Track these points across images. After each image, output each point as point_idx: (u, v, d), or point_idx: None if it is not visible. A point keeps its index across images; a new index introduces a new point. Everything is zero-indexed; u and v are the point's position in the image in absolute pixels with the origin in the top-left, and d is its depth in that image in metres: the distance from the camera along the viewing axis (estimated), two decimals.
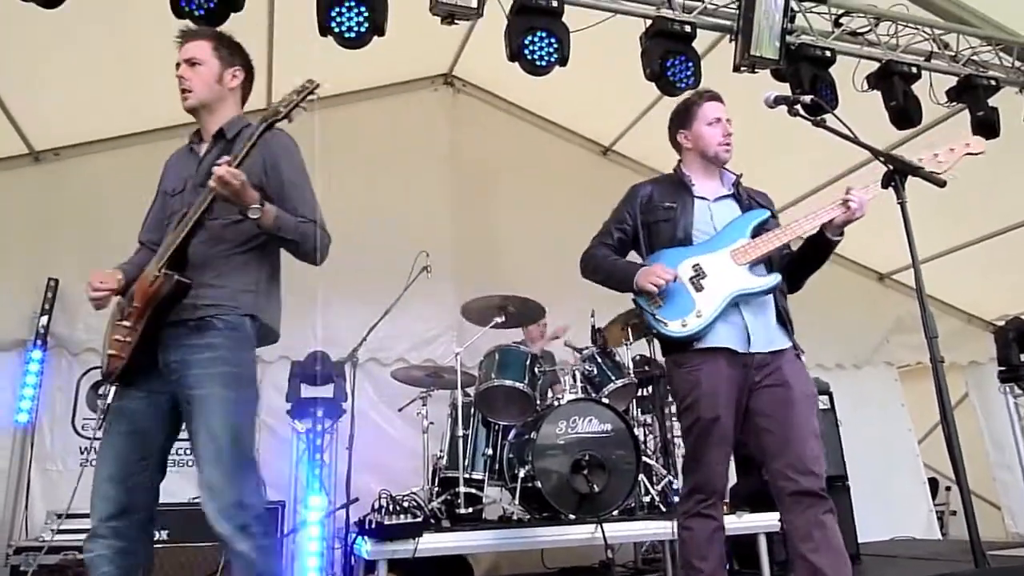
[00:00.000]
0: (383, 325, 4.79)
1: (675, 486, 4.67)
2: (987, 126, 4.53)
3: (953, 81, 4.73)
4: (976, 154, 2.63)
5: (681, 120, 2.94)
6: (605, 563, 3.97)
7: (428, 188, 6.34)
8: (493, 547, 4.15)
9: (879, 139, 3.08)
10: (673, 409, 5.37)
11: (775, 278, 2.69)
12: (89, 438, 5.28)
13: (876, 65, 4.56)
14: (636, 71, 4.20)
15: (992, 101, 4.60)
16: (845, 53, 4.50)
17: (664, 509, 4.33)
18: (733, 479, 4.58)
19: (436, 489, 4.42)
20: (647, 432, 5.27)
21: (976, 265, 6.57)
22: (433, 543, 3.75)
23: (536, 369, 4.57)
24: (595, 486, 3.98)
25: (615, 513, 4.06)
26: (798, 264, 2.81)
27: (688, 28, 4.14)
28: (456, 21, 3.83)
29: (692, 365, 2.65)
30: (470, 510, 4.15)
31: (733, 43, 4.26)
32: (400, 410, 5.17)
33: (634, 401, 4.98)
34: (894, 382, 7.28)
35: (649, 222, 2.86)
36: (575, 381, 4.53)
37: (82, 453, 5.24)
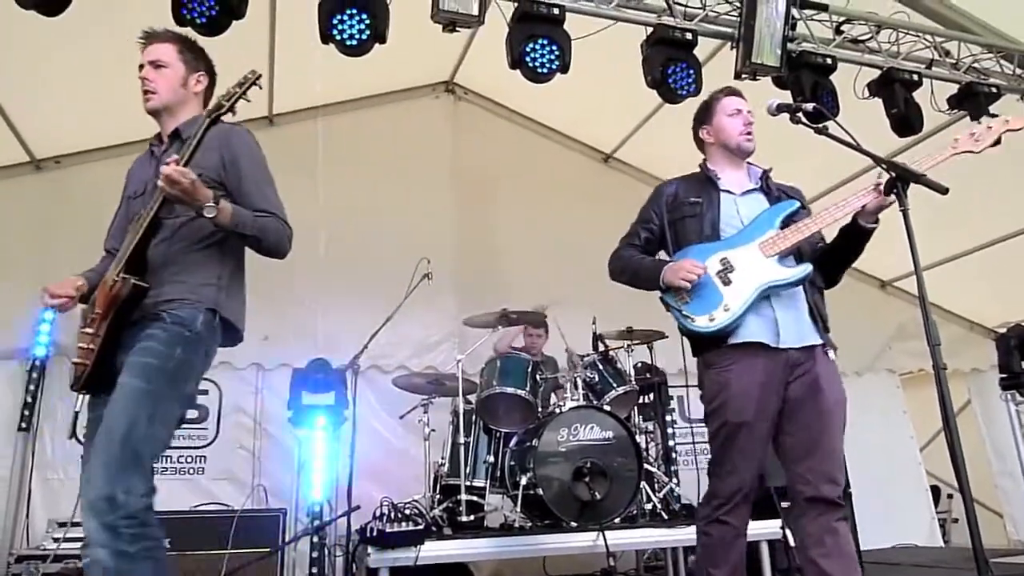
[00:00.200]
0: (384, 332, 4.79)
1: (676, 493, 4.66)
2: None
3: (954, 88, 4.74)
4: (1016, 130, 2.59)
5: (702, 117, 2.92)
6: (607, 571, 3.95)
7: (429, 195, 6.34)
8: (495, 555, 4.14)
9: (880, 146, 3.08)
10: (673, 417, 5.39)
11: (805, 268, 2.62)
12: None
13: (877, 72, 4.57)
14: (637, 78, 4.21)
15: (993, 108, 4.61)
16: (846, 60, 4.51)
17: (666, 516, 4.32)
18: None
19: (438, 497, 4.41)
20: (649, 439, 5.26)
21: (978, 272, 6.57)
22: (435, 551, 3.74)
23: (537, 376, 4.56)
24: (597, 493, 3.97)
25: (617, 521, 4.04)
26: (832, 256, 2.74)
27: (689, 35, 4.15)
28: (457, 29, 3.84)
29: (722, 365, 2.59)
30: (472, 518, 4.15)
31: (734, 50, 4.27)
32: (401, 417, 5.15)
33: (635, 408, 4.97)
34: (896, 389, 7.27)
35: (675, 219, 2.82)
36: (576, 388, 4.52)
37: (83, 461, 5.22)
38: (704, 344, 2.66)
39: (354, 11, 3.66)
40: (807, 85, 4.27)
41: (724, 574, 2.57)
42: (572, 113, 6.62)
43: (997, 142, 2.62)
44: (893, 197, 2.46)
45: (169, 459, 5.46)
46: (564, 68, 3.96)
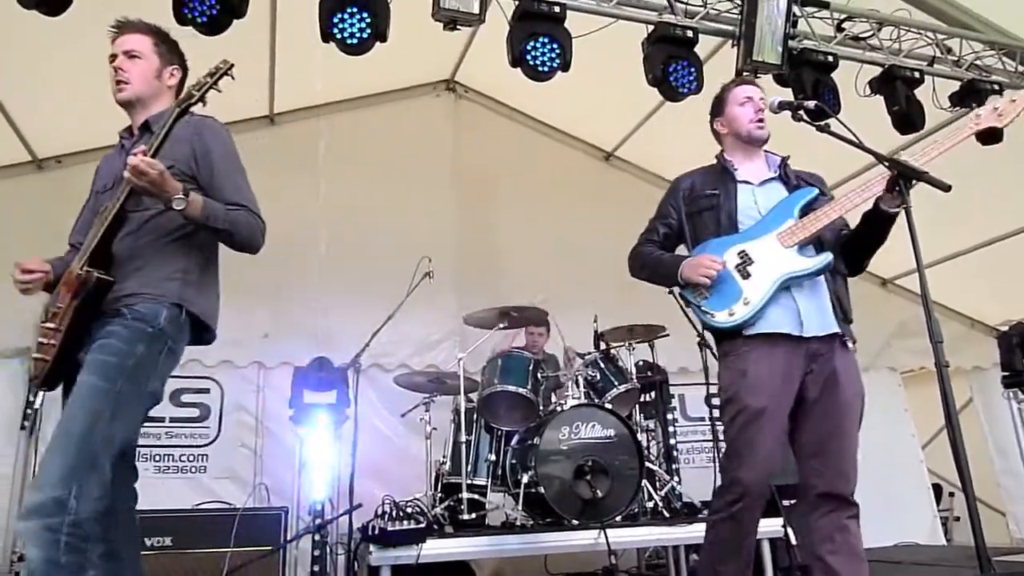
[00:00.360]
0: (385, 331, 4.78)
1: (678, 492, 4.66)
2: (991, 131, 4.51)
3: (956, 86, 4.73)
4: None
5: (715, 109, 2.90)
6: (609, 569, 3.95)
7: (430, 194, 6.34)
8: (496, 553, 4.14)
9: (882, 144, 3.07)
10: (675, 415, 5.39)
11: (824, 258, 2.57)
12: None
13: (879, 70, 4.56)
14: (638, 76, 4.21)
15: None
16: (847, 58, 4.50)
17: (667, 515, 4.32)
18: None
19: (439, 495, 4.42)
20: (650, 437, 5.26)
21: (979, 270, 6.56)
22: (436, 549, 3.74)
23: (539, 374, 4.56)
24: (598, 492, 3.97)
25: (618, 519, 4.04)
26: (856, 242, 2.68)
27: (690, 33, 4.14)
28: (458, 27, 3.84)
29: (738, 353, 2.55)
30: (473, 516, 4.15)
31: (735, 48, 4.26)
32: (403, 416, 5.16)
33: (637, 406, 4.97)
34: (897, 387, 7.26)
35: (692, 212, 2.79)
36: (578, 386, 4.52)
37: None
38: (724, 336, 2.62)
39: (355, 10, 3.65)
40: (808, 83, 4.27)
41: (733, 572, 2.52)
42: (573, 111, 6.61)
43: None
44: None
45: (171, 457, 5.47)
46: (565, 66, 3.96)
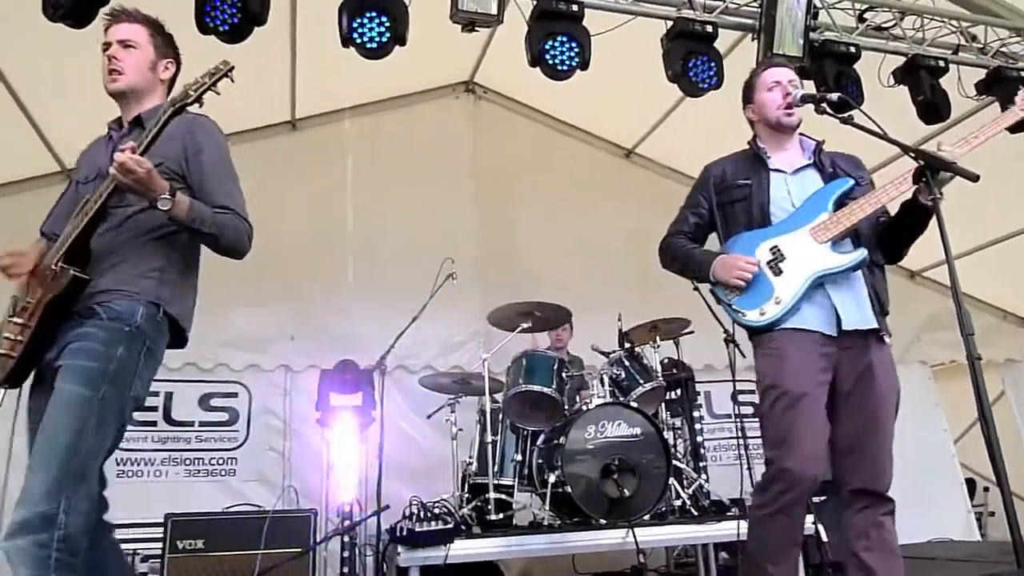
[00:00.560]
0: (410, 332, 4.80)
1: (706, 489, 4.63)
2: (1018, 120, 4.45)
3: (982, 74, 4.65)
4: None
5: (746, 95, 2.84)
6: (637, 568, 3.93)
7: (451, 195, 6.36)
8: (524, 553, 4.14)
9: (907, 134, 3.03)
10: (701, 413, 5.35)
11: (859, 254, 2.50)
12: (125, 449, 5.36)
13: (902, 60, 4.50)
14: (658, 72, 4.19)
15: None
16: (870, 48, 4.45)
17: (696, 513, 4.29)
18: None
19: (466, 496, 4.43)
20: (677, 435, 5.23)
21: (1011, 260, 6.45)
22: (464, 549, 3.75)
23: (563, 374, 4.55)
24: (625, 490, 3.95)
25: (646, 517, 4.02)
26: (895, 231, 2.62)
27: (709, 28, 4.13)
28: (476, 28, 3.85)
29: (773, 341, 2.50)
30: (500, 516, 4.15)
31: (756, 42, 4.23)
32: (429, 417, 5.18)
33: (663, 404, 4.94)
34: (928, 381, 7.15)
35: (724, 203, 2.74)
36: (603, 385, 4.51)
37: (118, 465, 5.31)
38: (756, 329, 2.58)
39: (374, 14, 3.68)
40: (830, 75, 4.23)
41: (783, 572, 2.40)
42: (593, 109, 6.60)
43: None
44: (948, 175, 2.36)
45: (201, 461, 5.54)
46: (584, 65, 3.96)
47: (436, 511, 3.93)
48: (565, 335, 5.40)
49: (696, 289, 3.85)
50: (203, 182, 2.31)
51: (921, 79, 4.41)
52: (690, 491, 4.48)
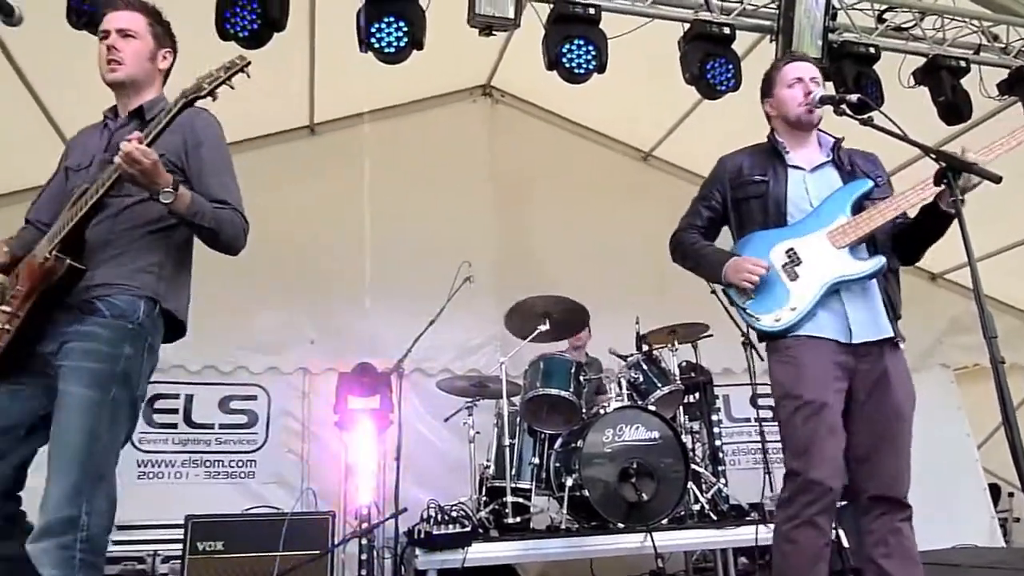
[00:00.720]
0: (427, 336, 4.83)
1: (724, 494, 4.61)
2: None
3: (1004, 74, 4.60)
4: None
5: (765, 89, 2.77)
6: (656, 572, 3.92)
7: (469, 199, 6.38)
8: (542, 557, 4.14)
9: (928, 136, 3.00)
10: (719, 417, 5.33)
11: (878, 262, 2.45)
12: (146, 451, 5.44)
13: (922, 60, 4.46)
14: (675, 75, 4.18)
15: None
16: (890, 49, 4.42)
17: (715, 517, 4.27)
18: None
19: (483, 499, 4.43)
20: (695, 439, 5.20)
21: None
22: (482, 552, 3.76)
23: (581, 377, 4.55)
24: (644, 494, 3.94)
25: (664, 522, 4.01)
26: (913, 234, 2.57)
27: (727, 30, 4.11)
28: (494, 32, 3.86)
29: (788, 348, 2.45)
30: (518, 519, 4.14)
31: (773, 43, 4.21)
32: (446, 420, 5.19)
33: (681, 408, 4.93)
34: (950, 385, 7.06)
35: (739, 199, 2.67)
36: (621, 389, 4.50)
37: (139, 467, 5.39)
38: (769, 335, 2.53)
39: (391, 19, 3.70)
40: (850, 76, 4.20)
41: None
42: (610, 112, 6.59)
43: None
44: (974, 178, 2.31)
45: (220, 463, 5.59)
46: (601, 68, 3.95)
47: (454, 514, 3.93)
48: (584, 336, 5.39)
49: (714, 292, 3.84)
50: (202, 175, 2.28)
51: (942, 80, 4.36)
52: (709, 495, 4.46)
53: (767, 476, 4.56)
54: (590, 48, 3.92)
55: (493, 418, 4.76)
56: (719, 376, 5.79)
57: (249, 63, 2.13)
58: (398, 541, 4.26)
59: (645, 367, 4.65)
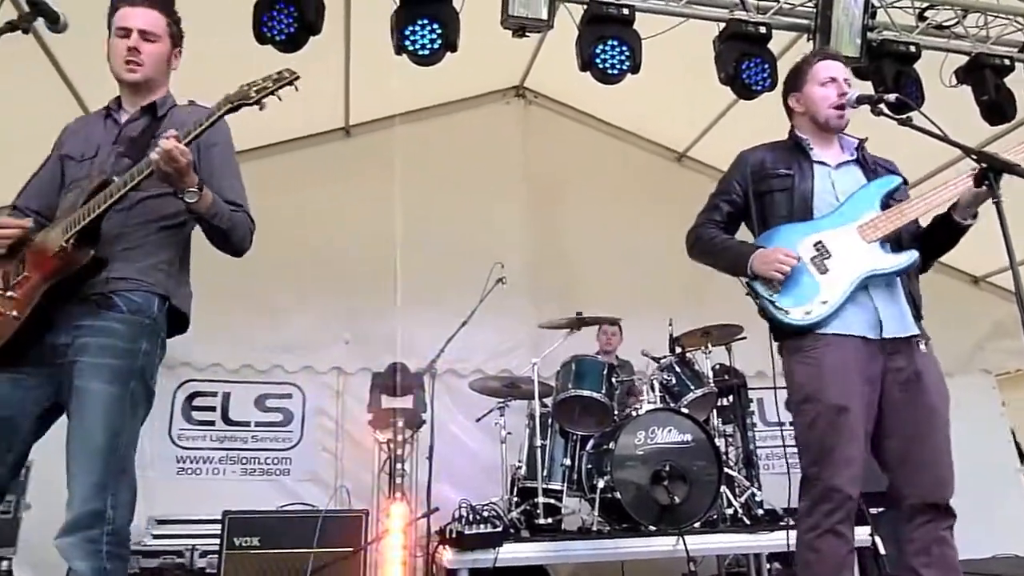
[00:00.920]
0: (460, 336, 4.85)
1: (758, 498, 4.56)
2: None
3: None
4: None
5: (792, 82, 2.69)
6: None
7: (502, 200, 6.39)
8: (573, 558, 4.14)
9: (970, 136, 2.93)
10: (753, 420, 5.27)
11: (911, 256, 2.39)
12: (185, 447, 5.55)
13: (965, 58, 4.37)
14: (710, 75, 4.15)
15: None
16: (931, 48, 4.33)
17: (748, 522, 4.22)
18: None
19: (515, 499, 4.43)
20: (728, 443, 5.15)
21: None
22: (513, 553, 3.77)
23: (613, 379, 4.54)
24: (676, 497, 3.92)
25: (697, 525, 3.98)
26: (927, 242, 2.51)
27: (763, 29, 4.07)
28: (527, 33, 3.87)
29: (812, 348, 2.36)
30: (549, 520, 4.15)
31: (811, 42, 4.16)
32: (478, 420, 5.21)
33: (714, 411, 4.88)
34: (992, 390, 6.92)
35: (762, 192, 2.58)
36: (653, 391, 4.47)
37: (178, 462, 5.51)
38: (791, 332, 2.44)
39: (425, 21, 3.73)
40: (889, 75, 4.13)
41: None
42: (644, 113, 6.56)
43: None
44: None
45: (257, 460, 5.68)
46: (635, 68, 3.94)
47: (485, 514, 3.94)
48: (615, 339, 5.38)
49: (749, 294, 3.80)
50: (213, 176, 2.27)
51: (985, 78, 4.27)
52: (742, 499, 4.42)
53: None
54: (624, 49, 3.91)
55: (525, 419, 4.77)
56: (753, 379, 5.72)
57: (298, 77, 2.14)
58: (429, 540, 4.29)
59: (678, 369, 4.63)
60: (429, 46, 3.75)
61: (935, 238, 2.52)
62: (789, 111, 2.74)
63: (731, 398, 5.19)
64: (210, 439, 5.66)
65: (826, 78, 2.60)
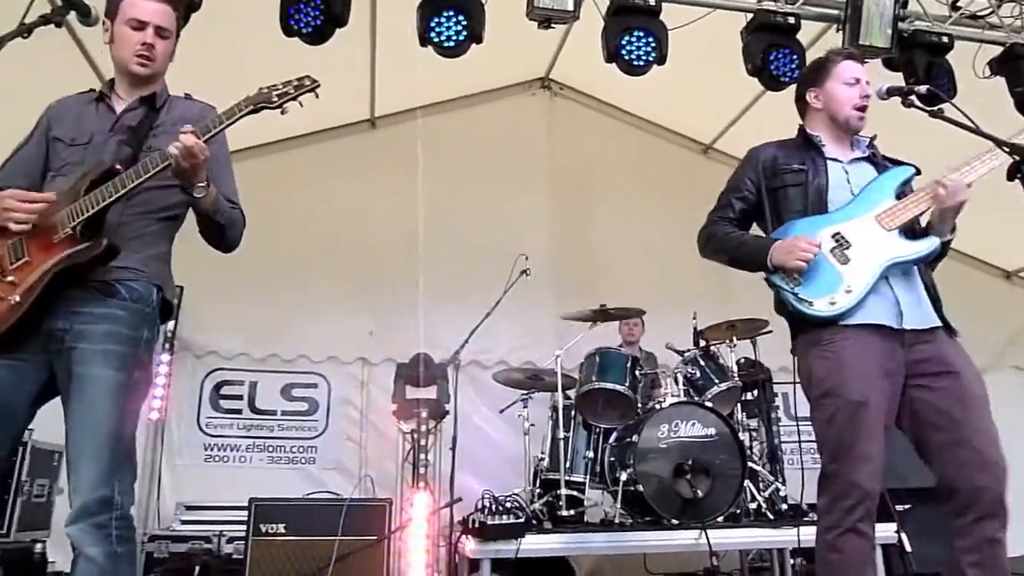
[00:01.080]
0: (484, 328, 4.86)
1: (783, 493, 4.52)
2: None
3: None
4: None
5: (813, 77, 2.64)
6: (710, 570, 3.89)
7: (527, 192, 6.40)
8: (595, 550, 4.14)
9: (1004, 128, 2.87)
10: (778, 415, 5.23)
11: (932, 242, 2.35)
12: (213, 435, 5.65)
13: (999, 49, 4.28)
14: (737, 66, 4.11)
15: None
16: (964, 38, 4.25)
17: (771, 517, 4.20)
18: None
19: (537, 491, 4.45)
20: (752, 437, 5.12)
21: None
22: (535, 544, 3.78)
23: (637, 372, 4.53)
24: (699, 491, 3.91)
25: (720, 519, 3.97)
26: None
27: (791, 20, 4.02)
28: (553, 25, 3.85)
29: (832, 342, 2.30)
30: (571, 512, 4.16)
31: (840, 33, 4.10)
32: (501, 412, 5.22)
33: (739, 405, 4.85)
34: None
35: (775, 187, 2.56)
36: (677, 384, 4.46)
37: (206, 450, 5.60)
38: (809, 324, 2.38)
39: (451, 13, 3.74)
40: (920, 66, 4.06)
41: None
42: (670, 104, 6.51)
43: None
44: (955, 200, 2.31)
45: (283, 449, 5.77)
46: (661, 60, 3.92)
47: (508, 505, 3.96)
48: (637, 331, 5.37)
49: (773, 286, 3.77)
50: (211, 172, 2.24)
51: (1020, 69, 4.18)
52: (766, 494, 4.39)
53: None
54: (650, 40, 3.88)
55: (548, 411, 4.77)
56: (778, 374, 5.67)
57: (319, 85, 2.18)
58: (452, 530, 4.32)
59: (702, 363, 4.60)
60: (454, 38, 3.76)
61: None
62: (803, 106, 2.69)
63: (756, 392, 5.15)
64: (237, 427, 5.75)
65: (851, 78, 2.56)
